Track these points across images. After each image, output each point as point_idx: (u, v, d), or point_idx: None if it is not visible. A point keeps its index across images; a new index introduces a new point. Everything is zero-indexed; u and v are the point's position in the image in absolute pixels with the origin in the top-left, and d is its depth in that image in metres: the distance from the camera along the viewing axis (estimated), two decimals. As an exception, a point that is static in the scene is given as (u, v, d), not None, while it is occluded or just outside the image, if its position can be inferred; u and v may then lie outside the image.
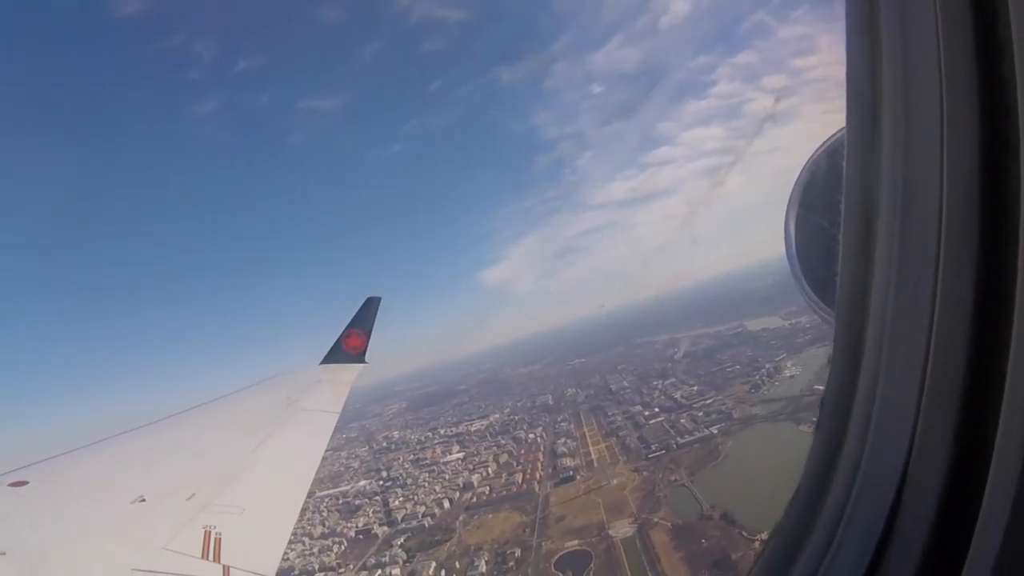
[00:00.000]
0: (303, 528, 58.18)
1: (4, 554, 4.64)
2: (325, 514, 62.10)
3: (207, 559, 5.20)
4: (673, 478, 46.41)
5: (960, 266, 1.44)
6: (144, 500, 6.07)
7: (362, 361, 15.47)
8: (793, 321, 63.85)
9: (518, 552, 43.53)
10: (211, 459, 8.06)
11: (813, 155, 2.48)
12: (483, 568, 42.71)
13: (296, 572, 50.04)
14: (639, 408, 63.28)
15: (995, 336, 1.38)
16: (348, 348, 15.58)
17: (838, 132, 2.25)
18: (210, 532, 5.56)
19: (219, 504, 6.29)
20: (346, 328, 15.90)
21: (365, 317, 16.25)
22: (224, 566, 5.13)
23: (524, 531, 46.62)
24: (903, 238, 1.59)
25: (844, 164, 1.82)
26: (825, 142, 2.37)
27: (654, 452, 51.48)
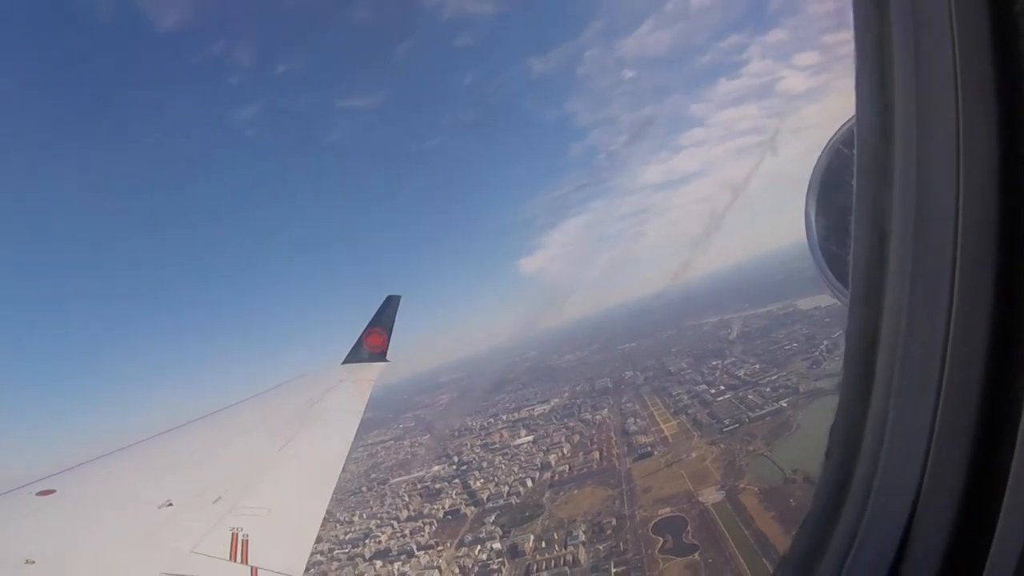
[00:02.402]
0: (388, 512, 61.71)
1: (33, 563, 4.67)
2: (407, 499, 64.72)
3: (235, 561, 5.29)
4: (751, 448, 48.51)
5: (977, 281, 1.39)
6: (171, 504, 6.14)
7: (383, 360, 15.42)
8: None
9: (613, 521, 45.83)
10: (236, 462, 8.13)
11: (832, 139, 2.46)
12: (582, 538, 44.95)
13: (394, 553, 52.25)
14: (704, 387, 65.38)
15: (1010, 363, 1.36)
16: (369, 347, 15.56)
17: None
18: (237, 534, 5.65)
19: (245, 506, 6.37)
20: (366, 327, 15.88)
21: (385, 316, 16.21)
22: (252, 567, 5.23)
23: (614, 503, 48.92)
24: (917, 253, 1.53)
25: (855, 160, 1.76)
26: (844, 124, 2.33)
27: (728, 426, 53.46)
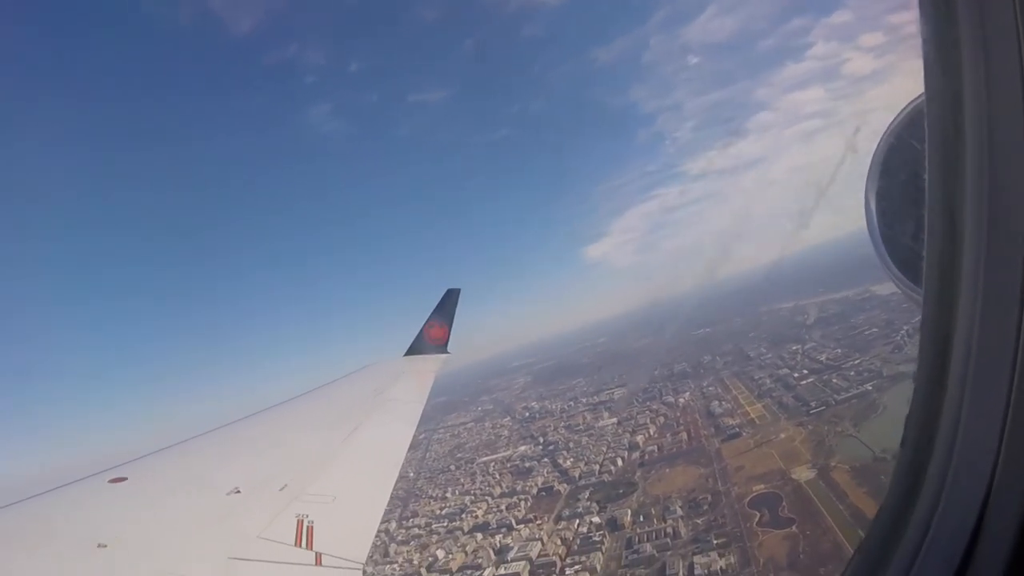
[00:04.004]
0: (481, 489, 64.66)
1: (105, 547, 4.75)
2: (498, 477, 67.60)
3: (300, 547, 5.35)
4: (839, 429, 49.28)
5: None
6: (239, 491, 6.25)
7: (444, 351, 15.77)
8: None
9: (709, 497, 47.61)
10: (302, 450, 8.22)
11: (891, 125, 2.45)
12: (679, 512, 46.87)
13: (493, 526, 55.00)
14: (786, 371, 66.31)
15: None
16: (430, 339, 15.87)
17: (916, 99, 2.19)
18: (303, 520, 5.72)
19: (311, 493, 6.45)
20: (428, 320, 16.17)
21: (446, 308, 16.44)
22: (317, 553, 5.28)
23: (707, 481, 50.45)
24: (991, 243, 1.55)
25: (925, 151, 1.76)
26: (903, 110, 2.33)
27: (814, 408, 54.74)
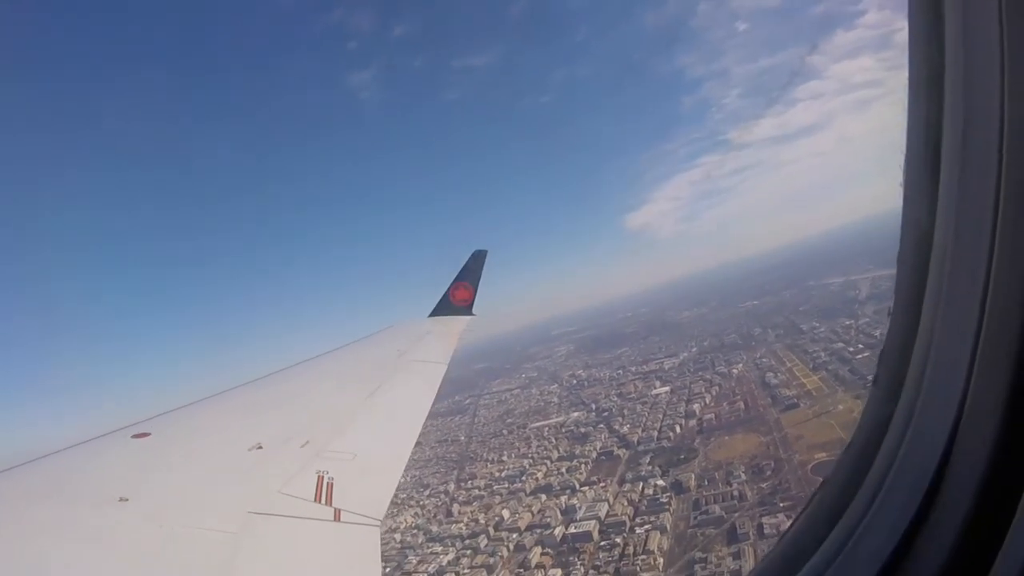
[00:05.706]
0: (538, 453, 66.36)
1: (127, 500, 4.81)
2: (554, 441, 69.31)
3: (320, 502, 5.42)
4: None
5: (1019, 224, 1.38)
6: (261, 447, 6.28)
7: (469, 313, 15.55)
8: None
9: (772, 463, 49.37)
10: (325, 408, 8.23)
11: None
12: (743, 477, 48.91)
13: (556, 488, 56.81)
14: (841, 345, 66.81)
15: None
16: (456, 300, 15.69)
17: None
18: (323, 477, 5.76)
19: (332, 451, 6.48)
20: (454, 281, 16.00)
21: (472, 270, 16.25)
22: (336, 509, 5.35)
23: (768, 448, 52.03)
24: (962, 184, 1.53)
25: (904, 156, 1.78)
26: None
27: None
